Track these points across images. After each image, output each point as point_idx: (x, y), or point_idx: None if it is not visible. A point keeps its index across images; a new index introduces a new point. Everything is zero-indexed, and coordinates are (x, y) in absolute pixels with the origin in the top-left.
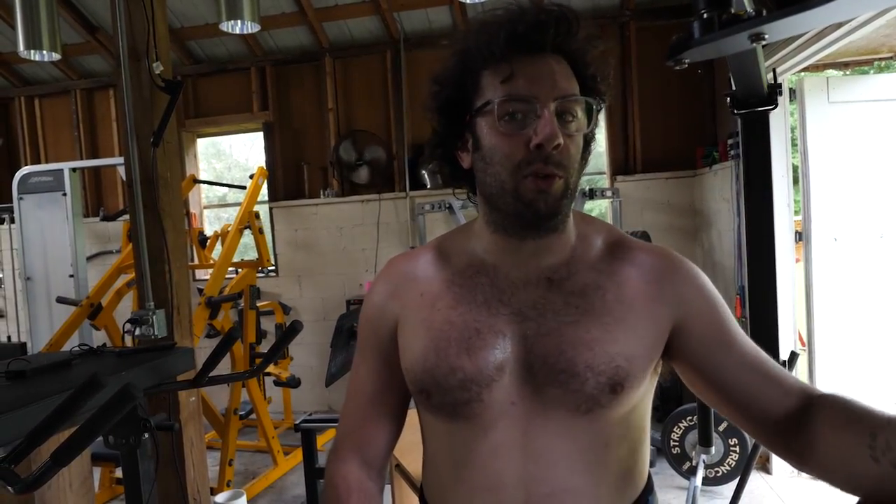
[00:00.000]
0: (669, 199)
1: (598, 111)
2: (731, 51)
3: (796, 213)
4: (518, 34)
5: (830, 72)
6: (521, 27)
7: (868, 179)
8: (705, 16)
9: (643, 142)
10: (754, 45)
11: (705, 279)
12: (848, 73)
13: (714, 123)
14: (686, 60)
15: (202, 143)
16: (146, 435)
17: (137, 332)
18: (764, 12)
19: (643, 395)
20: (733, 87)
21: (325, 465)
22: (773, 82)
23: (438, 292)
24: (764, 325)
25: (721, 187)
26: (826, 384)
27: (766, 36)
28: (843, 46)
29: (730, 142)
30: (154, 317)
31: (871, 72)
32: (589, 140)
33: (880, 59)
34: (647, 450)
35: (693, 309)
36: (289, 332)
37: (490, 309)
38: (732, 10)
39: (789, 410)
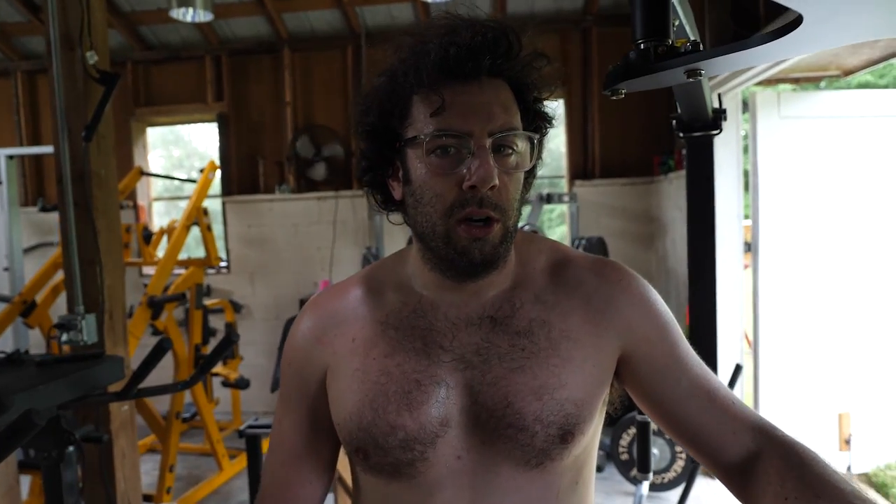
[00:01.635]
0: (626, 206)
1: (542, 143)
2: (668, 83)
3: (747, 216)
4: (449, 59)
5: (782, 86)
6: (452, 51)
7: (817, 192)
8: (642, 46)
9: (602, 147)
10: (690, 80)
11: (654, 299)
12: (798, 87)
13: (671, 133)
14: (622, 90)
15: (161, 130)
16: (71, 448)
17: (65, 338)
18: (701, 46)
19: (593, 432)
20: (678, 111)
21: None
22: (717, 107)
23: (372, 337)
24: (704, 347)
25: (676, 196)
26: (770, 389)
27: (703, 72)
28: (793, 63)
29: (685, 152)
30: (83, 322)
31: (823, 86)
32: (530, 173)
33: (829, 77)
34: (593, 476)
35: (641, 335)
36: (223, 345)
37: (430, 356)
38: (671, 42)
39: (740, 454)
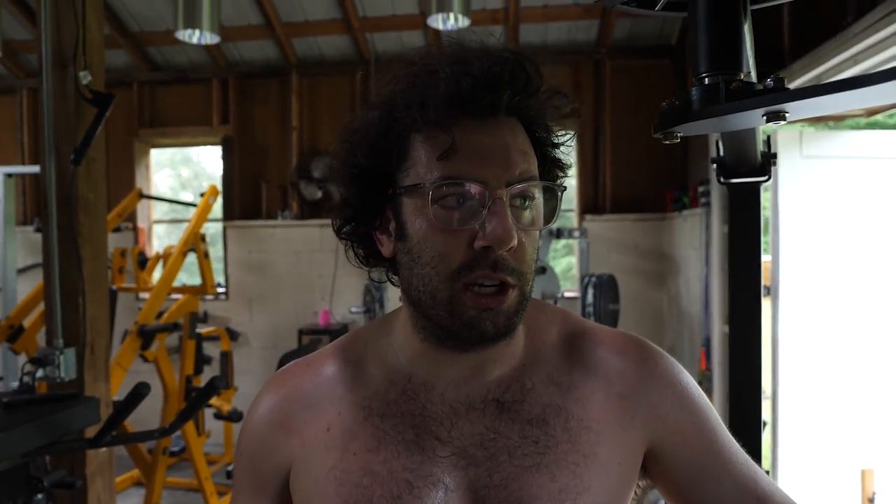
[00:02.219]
0: (637, 242)
1: (562, 195)
2: (737, 127)
3: (764, 250)
4: (462, 92)
5: (803, 126)
6: (466, 82)
7: (840, 234)
8: (706, 81)
9: (613, 181)
10: (769, 124)
11: (686, 382)
12: (819, 127)
13: (685, 168)
14: (679, 134)
15: (169, 150)
16: (39, 496)
17: (40, 373)
18: (784, 82)
19: None
20: (720, 153)
21: None
22: (766, 151)
23: (351, 426)
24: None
25: (690, 234)
26: (789, 443)
27: (788, 115)
28: None
29: (700, 189)
30: (62, 357)
31: (831, 125)
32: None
33: (853, 117)
34: None
35: (672, 426)
36: (205, 392)
37: (424, 450)
38: (742, 77)
39: None
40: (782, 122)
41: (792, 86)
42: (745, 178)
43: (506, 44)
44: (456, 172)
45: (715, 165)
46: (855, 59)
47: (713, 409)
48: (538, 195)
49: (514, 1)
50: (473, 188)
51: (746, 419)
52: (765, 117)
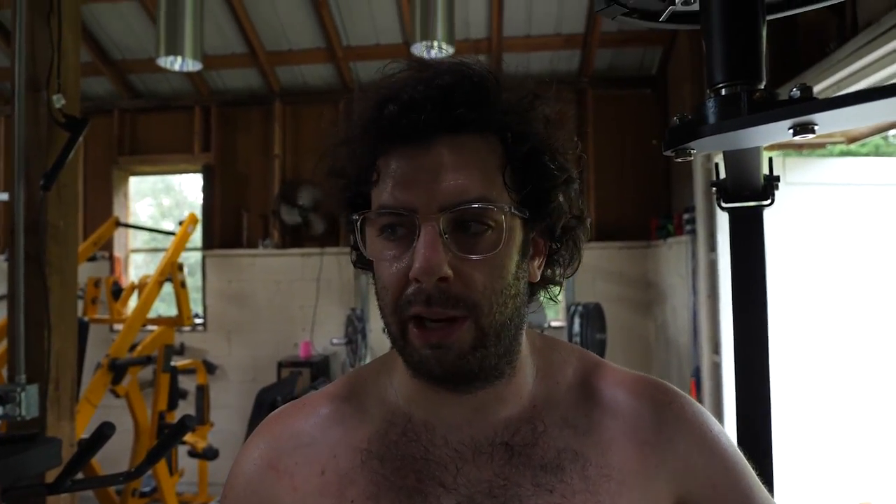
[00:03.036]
0: (623, 270)
1: (546, 211)
2: (756, 143)
3: None
4: (383, 118)
5: (785, 152)
6: (389, 108)
7: (822, 261)
8: (724, 91)
9: (597, 209)
10: (795, 138)
11: (717, 431)
12: (802, 154)
13: (669, 194)
14: (692, 151)
15: (151, 179)
16: None
17: (0, 412)
18: (812, 91)
19: None
20: (718, 176)
21: None
22: (769, 174)
23: (348, 470)
24: (756, 458)
25: (676, 262)
26: (786, 477)
27: (817, 128)
28: None
29: (685, 216)
30: (23, 394)
31: (833, 153)
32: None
33: (833, 143)
34: None
35: (703, 479)
36: (175, 432)
37: (428, 498)
38: (762, 86)
39: None
40: (810, 136)
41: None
42: (746, 203)
43: (467, 61)
44: (387, 201)
45: (714, 189)
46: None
47: (745, 461)
48: (496, 220)
49: (497, 31)
50: (403, 216)
51: (755, 455)
52: (791, 130)
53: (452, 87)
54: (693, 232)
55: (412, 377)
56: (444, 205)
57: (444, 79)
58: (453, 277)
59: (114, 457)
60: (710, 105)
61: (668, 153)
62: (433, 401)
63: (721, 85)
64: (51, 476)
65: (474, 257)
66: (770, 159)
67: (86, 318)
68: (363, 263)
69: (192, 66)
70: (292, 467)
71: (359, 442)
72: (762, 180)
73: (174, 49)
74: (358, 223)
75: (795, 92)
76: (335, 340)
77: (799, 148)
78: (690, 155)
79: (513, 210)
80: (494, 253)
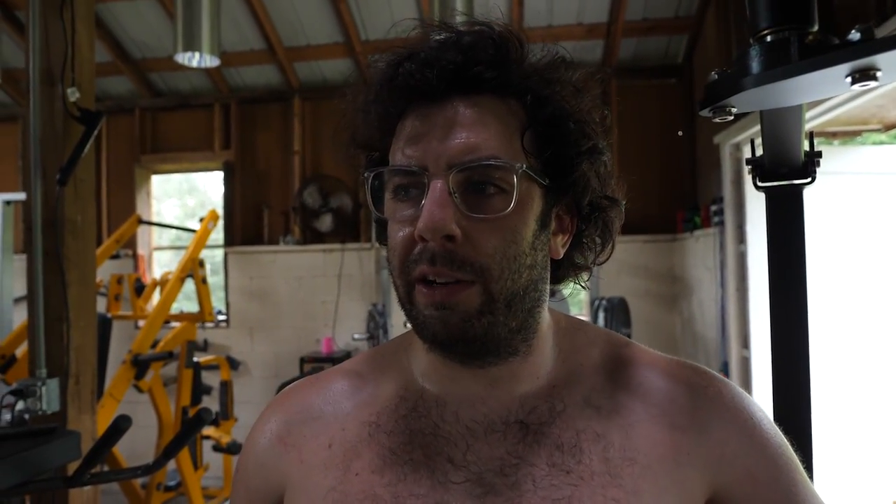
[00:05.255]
0: (648, 264)
1: (569, 173)
2: (806, 98)
3: None
4: (398, 76)
5: (817, 141)
6: (406, 66)
7: (857, 251)
8: (769, 38)
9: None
10: (853, 88)
11: (760, 418)
12: (835, 143)
13: (695, 187)
14: (733, 108)
15: (177, 179)
16: None
17: (21, 405)
18: (874, 32)
19: None
20: (755, 154)
21: None
22: (810, 150)
23: (355, 443)
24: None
25: (703, 255)
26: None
27: (880, 74)
28: (832, 117)
29: (713, 207)
30: (44, 388)
31: (867, 142)
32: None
33: (869, 131)
34: None
35: (742, 470)
36: (192, 425)
37: (434, 473)
38: (814, 30)
39: None
40: (871, 84)
41: None
42: (785, 181)
43: (491, 22)
44: (399, 160)
45: (750, 168)
46: None
47: (791, 452)
48: (509, 181)
49: (518, 21)
50: (413, 174)
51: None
52: (849, 78)
53: (472, 46)
54: (721, 223)
55: (427, 351)
56: (451, 162)
57: (464, 38)
58: (462, 239)
59: (141, 452)
60: (754, 53)
61: (706, 113)
62: (446, 376)
63: (767, 31)
64: (72, 469)
65: (481, 216)
66: (811, 133)
67: (109, 315)
68: (381, 235)
69: (210, 61)
70: (300, 440)
71: (368, 416)
72: (802, 156)
73: (192, 45)
74: (369, 182)
75: (854, 34)
76: (357, 336)
77: (832, 136)
78: (730, 114)
79: (528, 171)
80: (504, 214)
